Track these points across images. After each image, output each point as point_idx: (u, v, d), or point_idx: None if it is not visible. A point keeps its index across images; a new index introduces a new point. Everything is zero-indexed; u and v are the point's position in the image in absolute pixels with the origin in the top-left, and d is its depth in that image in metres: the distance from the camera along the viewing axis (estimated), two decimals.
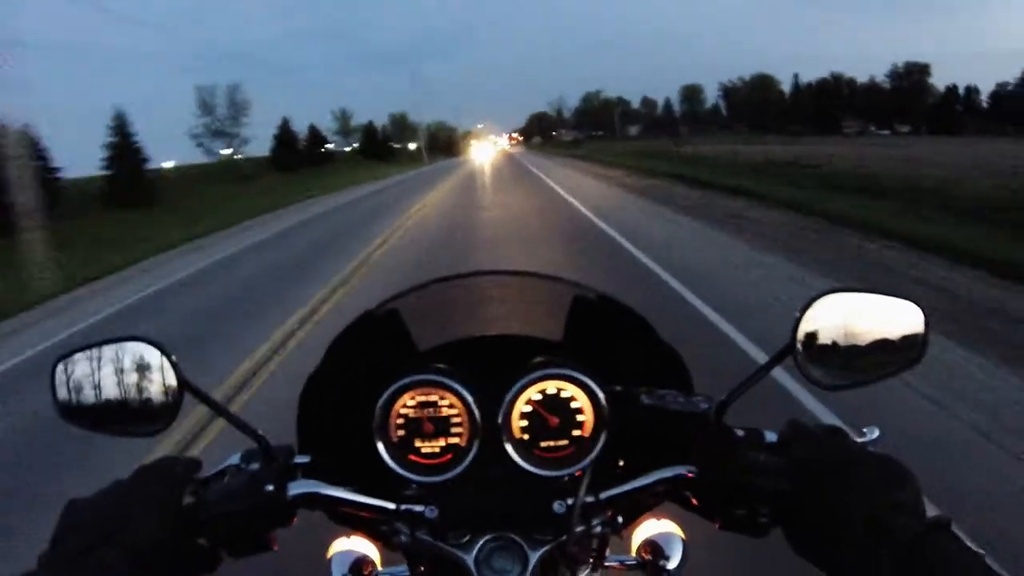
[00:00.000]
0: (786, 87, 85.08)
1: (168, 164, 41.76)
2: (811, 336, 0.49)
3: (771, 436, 0.51)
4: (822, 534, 0.43)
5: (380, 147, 64.54)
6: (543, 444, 0.54)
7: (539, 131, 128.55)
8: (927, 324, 0.49)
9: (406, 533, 0.51)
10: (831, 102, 75.30)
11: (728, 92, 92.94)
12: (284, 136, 45.09)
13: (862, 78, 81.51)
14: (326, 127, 67.12)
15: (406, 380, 0.52)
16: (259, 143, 46.19)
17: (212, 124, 39.65)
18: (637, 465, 0.53)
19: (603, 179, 16.95)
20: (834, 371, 0.50)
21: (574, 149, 50.31)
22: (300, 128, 47.20)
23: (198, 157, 40.68)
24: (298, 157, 43.36)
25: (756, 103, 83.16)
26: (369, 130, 66.34)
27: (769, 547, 0.51)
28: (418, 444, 0.53)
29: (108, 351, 0.50)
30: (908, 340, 0.49)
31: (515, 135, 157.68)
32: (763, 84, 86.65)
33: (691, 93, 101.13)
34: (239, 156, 40.75)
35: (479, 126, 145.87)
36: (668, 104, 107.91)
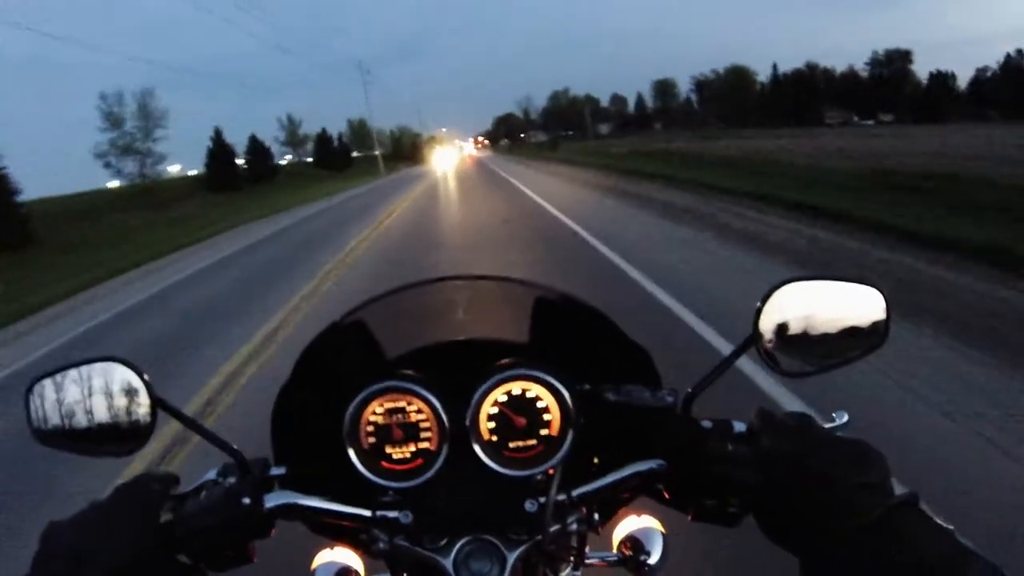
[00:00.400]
0: (763, 79, 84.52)
1: (56, 193, 34.17)
2: (772, 325, 0.51)
3: (740, 426, 0.53)
4: (791, 519, 0.45)
5: (336, 157, 61.00)
6: (512, 445, 0.56)
7: (506, 134, 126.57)
8: (888, 308, 0.52)
9: (384, 540, 0.53)
10: (809, 93, 74.69)
11: (701, 86, 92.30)
12: (218, 150, 38.92)
13: (840, 67, 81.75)
14: (272, 137, 63.92)
15: (373, 388, 0.55)
16: (194, 159, 43.36)
17: (119, 140, 33.17)
18: (611, 462, 0.56)
19: (624, 197, 11.05)
20: (798, 359, 0.52)
21: (549, 152, 43.74)
22: (240, 140, 43.20)
23: (103, 181, 35.57)
24: (234, 174, 38.72)
25: (731, 96, 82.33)
26: (323, 138, 62.66)
27: (746, 536, 0.53)
28: (389, 450, 0.56)
29: (82, 372, 0.52)
30: (870, 324, 0.51)
31: (481, 139, 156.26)
32: (738, 76, 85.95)
33: (664, 88, 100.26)
34: (150, 176, 33.78)
35: (442, 130, 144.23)
36: (640, 100, 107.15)
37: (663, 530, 0.65)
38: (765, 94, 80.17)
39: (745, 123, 66.56)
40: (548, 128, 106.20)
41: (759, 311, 0.51)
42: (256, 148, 45.24)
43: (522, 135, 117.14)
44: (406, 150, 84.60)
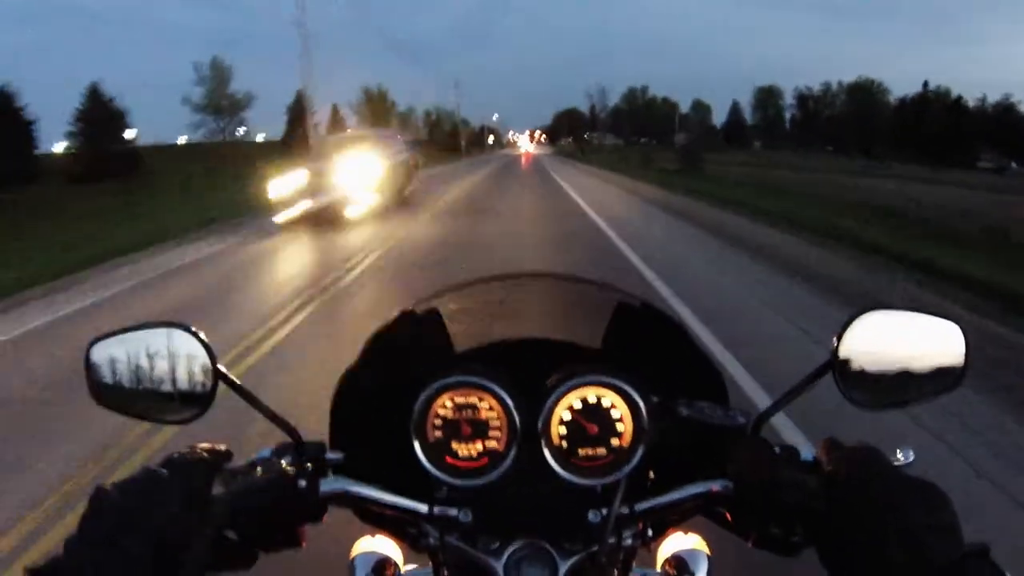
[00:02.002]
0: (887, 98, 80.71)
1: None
2: (850, 354, 0.59)
3: (807, 453, 0.61)
4: (856, 554, 0.51)
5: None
6: (581, 452, 0.64)
7: (569, 132, 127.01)
8: (968, 346, 0.60)
9: (435, 536, 0.63)
10: (958, 125, 68.91)
11: (804, 100, 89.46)
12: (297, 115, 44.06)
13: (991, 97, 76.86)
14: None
15: (447, 380, 0.63)
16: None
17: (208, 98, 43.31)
18: (668, 478, 0.64)
19: None
20: (872, 391, 0.60)
21: (678, 178, 23.79)
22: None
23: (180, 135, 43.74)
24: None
25: (854, 117, 78.59)
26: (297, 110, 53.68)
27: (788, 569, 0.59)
28: (455, 446, 0.63)
29: (144, 336, 0.61)
30: (948, 361, 0.60)
31: (538, 134, 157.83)
32: (863, 93, 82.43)
33: (767, 98, 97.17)
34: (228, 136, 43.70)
35: (494, 116, 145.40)
36: (735, 109, 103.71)
37: (708, 552, 0.74)
38: (906, 118, 74.34)
39: (867, 151, 63.97)
40: (617, 130, 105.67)
41: (838, 338, 0.59)
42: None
43: (586, 135, 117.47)
44: (443, 138, 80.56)
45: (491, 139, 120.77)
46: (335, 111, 55.91)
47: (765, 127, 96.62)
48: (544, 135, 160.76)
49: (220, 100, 44.48)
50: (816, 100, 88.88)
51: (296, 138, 37.71)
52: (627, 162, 39.79)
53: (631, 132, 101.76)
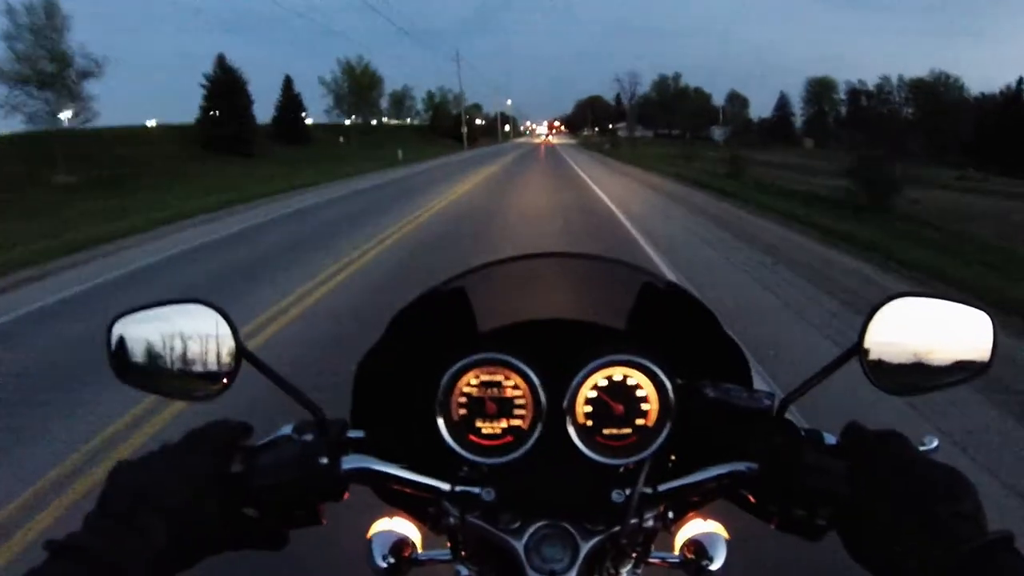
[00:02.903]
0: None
1: None
2: (878, 338, 0.66)
3: (830, 438, 0.68)
4: (880, 540, 0.58)
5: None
6: (606, 432, 0.70)
7: (593, 121, 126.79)
8: (995, 334, 0.66)
9: (455, 515, 0.69)
10: None
11: (856, 96, 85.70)
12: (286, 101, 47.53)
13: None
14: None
15: (473, 358, 0.69)
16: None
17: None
18: (691, 461, 0.70)
19: None
20: (898, 376, 0.66)
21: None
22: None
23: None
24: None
25: (930, 116, 70.79)
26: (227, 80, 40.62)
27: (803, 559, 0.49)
28: (479, 424, 0.70)
29: (166, 312, 0.67)
30: (975, 349, 0.66)
31: (558, 124, 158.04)
32: (932, 90, 75.81)
33: (821, 91, 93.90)
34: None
35: (507, 102, 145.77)
36: (783, 102, 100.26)
37: (727, 536, 0.81)
38: (989, 119, 66.25)
39: (941, 160, 58.96)
40: (646, 122, 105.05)
41: (866, 322, 0.65)
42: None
43: (610, 126, 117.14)
44: (452, 124, 77.04)
45: (507, 128, 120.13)
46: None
47: (818, 123, 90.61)
48: (563, 125, 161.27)
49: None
50: (870, 96, 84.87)
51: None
52: (682, 163, 31.68)
53: (662, 124, 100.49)
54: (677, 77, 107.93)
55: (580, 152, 53.37)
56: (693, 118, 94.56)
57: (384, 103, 75.77)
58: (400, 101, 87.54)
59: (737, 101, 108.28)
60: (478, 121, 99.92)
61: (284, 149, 41.16)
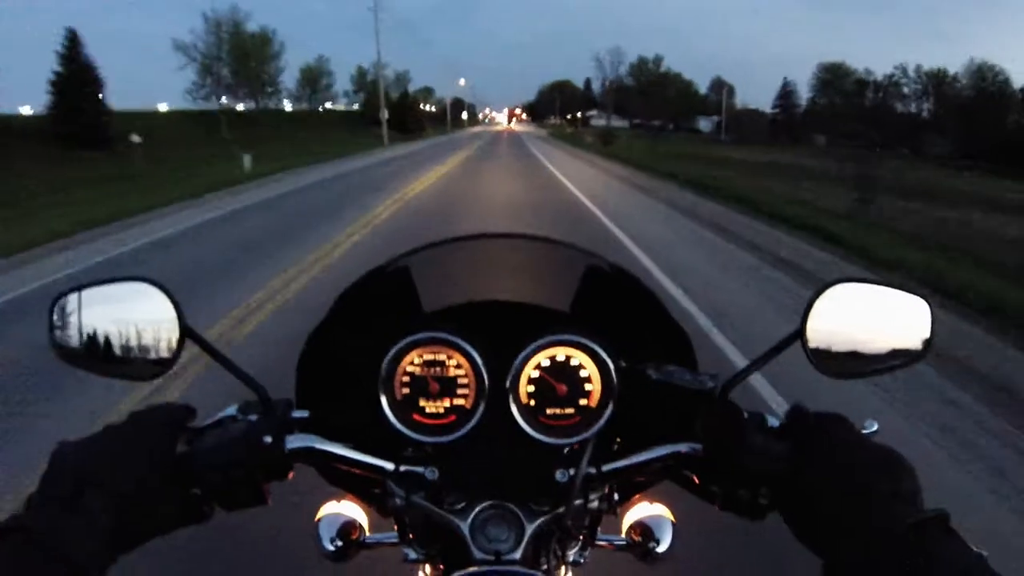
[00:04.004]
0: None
1: None
2: (818, 324, 0.73)
3: (773, 420, 0.74)
4: (820, 519, 0.64)
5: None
6: (549, 412, 0.78)
7: (560, 110, 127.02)
8: (933, 320, 0.74)
9: (401, 496, 0.75)
10: None
11: (862, 88, 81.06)
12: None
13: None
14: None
15: (415, 337, 0.76)
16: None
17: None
18: (636, 442, 0.77)
19: None
20: (840, 361, 0.74)
21: None
22: None
23: None
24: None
25: (978, 113, 65.21)
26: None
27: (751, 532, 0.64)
28: (422, 403, 0.77)
29: (110, 290, 0.72)
30: (914, 334, 0.75)
31: (519, 112, 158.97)
32: (984, 80, 72.11)
33: (831, 77, 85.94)
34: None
35: (460, 82, 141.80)
36: (787, 90, 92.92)
37: (673, 519, 0.89)
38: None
39: (995, 159, 49.10)
40: (621, 110, 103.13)
41: (808, 308, 0.72)
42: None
43: (579, 113, 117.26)
44: (394, 111, 61.29)
45: (464, 115, 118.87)
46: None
47: (829, 115, 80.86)
48: (525, 113, 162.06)
49: None
50: (880, 87, 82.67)
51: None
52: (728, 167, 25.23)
53: (638, 112, 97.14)
54: (659, 61, 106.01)
55: (554, 147, 45.54)
56: (673, 106, 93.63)
57: (291, 81, 64.66)
58: (314, 79, 73.88)
59: (723, 89, 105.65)
60: (429, 107, 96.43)
61: (48, 167, 25.12)
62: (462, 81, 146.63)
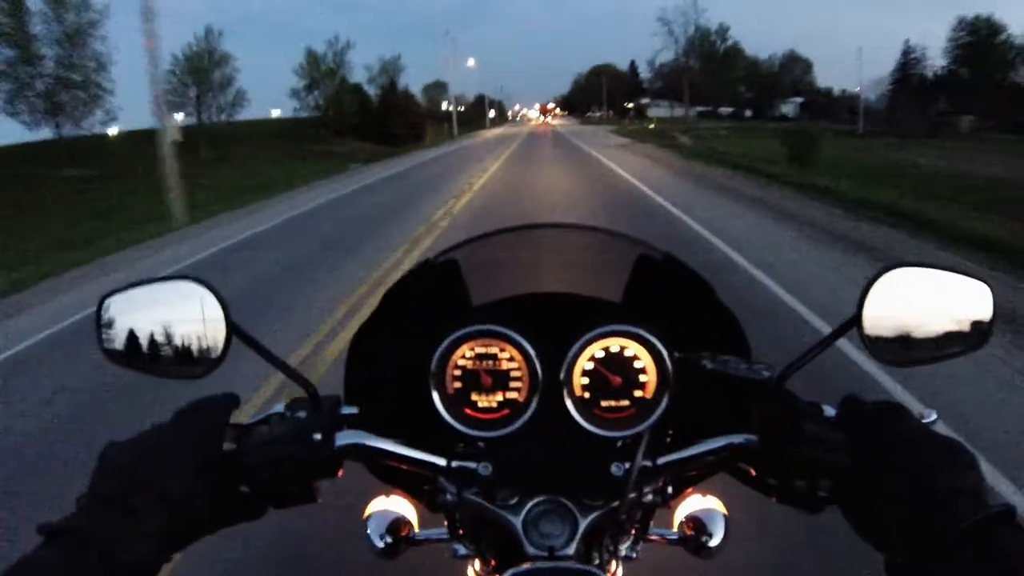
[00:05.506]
0: None
1: None
2: (876, 310, 0.78)
3: (829, 410, 0.80)
4: (881, 513, 0.69)
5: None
6: (603, 404, 0.86)
7: (608, 99, 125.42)
8: (994, 307, 0.79)
9: (452, 492, 0.83)
10: None
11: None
12: None
13: None
14: None
15: (467, 330, 0.83)
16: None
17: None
18: (689, 434, 0.84)
19: None
20: (896, 347, 0.80)
21: None
22: None
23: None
24: None
25: None
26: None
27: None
28: (474, 398, 0.86)
29: (157, 290, 0.81)
30: (974, 319, 0.81)
31: (552, 107, 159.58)
32: None
33: (986, 34, 65.30)
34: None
35: (469, 62, 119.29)
36: (909, 59, 70.93)
37: (726, 512, 0.96)
38: None
39: None
40: (676, 96, 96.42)
41: (864, 293, 0.77)
42: None
43: (628, 104, 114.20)
44: (356, 112, 52.12)
45: (492, 113, 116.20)
46: None
47: (980, 84, 62.88)
48: (558, 107, 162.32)
49: None
50: None
51: None
52: None
53: (701, 99, 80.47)
54: (724, 31, 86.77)
55: (632, 155, 28.93)
56: (756, 89, 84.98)
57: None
58: (312, 65, 54.09)
59: (798, 66, 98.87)
60: (448, 107, 78.41)
61: None
62: (471, 61, 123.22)
